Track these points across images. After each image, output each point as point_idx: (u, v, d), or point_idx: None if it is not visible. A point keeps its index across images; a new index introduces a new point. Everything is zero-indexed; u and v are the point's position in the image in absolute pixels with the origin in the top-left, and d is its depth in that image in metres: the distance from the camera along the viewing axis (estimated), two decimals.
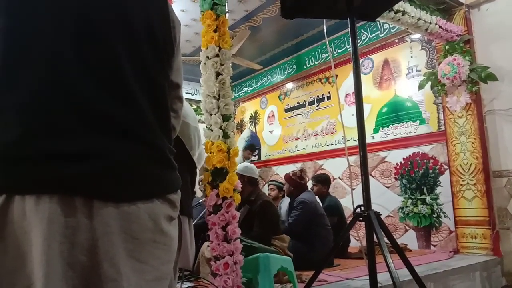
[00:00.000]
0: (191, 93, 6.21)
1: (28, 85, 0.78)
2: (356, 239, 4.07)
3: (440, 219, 4.18)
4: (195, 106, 6.43)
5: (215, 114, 2.48)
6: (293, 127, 6.15)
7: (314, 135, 5.78)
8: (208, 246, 2.61)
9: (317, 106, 5.79)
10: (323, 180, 4.45)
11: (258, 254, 2.42)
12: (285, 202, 4.37)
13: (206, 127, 2.53)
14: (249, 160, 6.00)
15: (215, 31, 2.47)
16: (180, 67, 1.05)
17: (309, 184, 4.45)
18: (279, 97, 6.45)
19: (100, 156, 0.78)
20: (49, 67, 0.79)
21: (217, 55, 2.46)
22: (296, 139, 6.08)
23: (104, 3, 0.86)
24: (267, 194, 4.66)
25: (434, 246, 4.23)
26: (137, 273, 0.80)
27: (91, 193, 0.77)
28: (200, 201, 4.49)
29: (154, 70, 0.91)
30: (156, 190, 0.86)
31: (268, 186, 4.85)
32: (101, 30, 0.84)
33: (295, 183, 3.88)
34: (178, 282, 2.53)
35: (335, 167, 5.36)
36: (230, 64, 2.54)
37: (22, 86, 0.78)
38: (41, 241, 0.73)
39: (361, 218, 1.78)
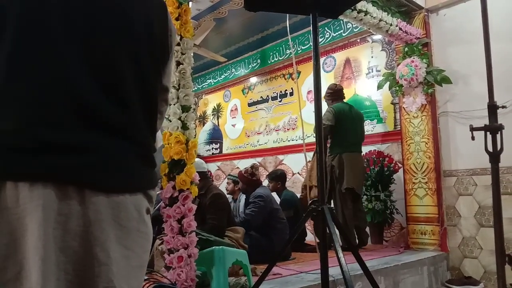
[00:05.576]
0: None
1: (31, 79, 0.82)
2: (312, 233, 4.13)
3: (393, 215, 4.32)
4: None
5: (174, 105, 2.43)
6: (255, 121, 6.16)
7: (276, 130, 5.81)
8: (162, 239, 2.57)
9: (279, 101, 5.82)
10: (277, 177, 4.49)
11: (213, 247, 2.40)
12: (243, 196, 4.36)
13: (165, 117, 2.47)
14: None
15: (177, 19, 2.41)
16: (171, 72, 1.12)
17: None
18: (242, 91, 6.43)
19: (94, 150, 0.83)
20: (52, 64, 0.83)
21: (178, 44, 2.41)
22: (258, 133, 6.09)
23: (110, 8, 0.91)
24: (225, 188, 4.65)
25: (386, 241, 4.38)
26: (124, 259, 0.85)
27: (83, 183, 0.81)
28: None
29: (151, 76, 0.97)
30: (141, 185, 0.93)
31: (227, 180, 4.83)
32: (105, 34, 0.89)
33: (247, 180, 3.89)
34: None
35: (295, 163, 5.42)
36: (192, 54, 2.50)
37: (25, 79, 0.82)
38: (37, 227, 0.76)
39: (315, 213, 1.79)
